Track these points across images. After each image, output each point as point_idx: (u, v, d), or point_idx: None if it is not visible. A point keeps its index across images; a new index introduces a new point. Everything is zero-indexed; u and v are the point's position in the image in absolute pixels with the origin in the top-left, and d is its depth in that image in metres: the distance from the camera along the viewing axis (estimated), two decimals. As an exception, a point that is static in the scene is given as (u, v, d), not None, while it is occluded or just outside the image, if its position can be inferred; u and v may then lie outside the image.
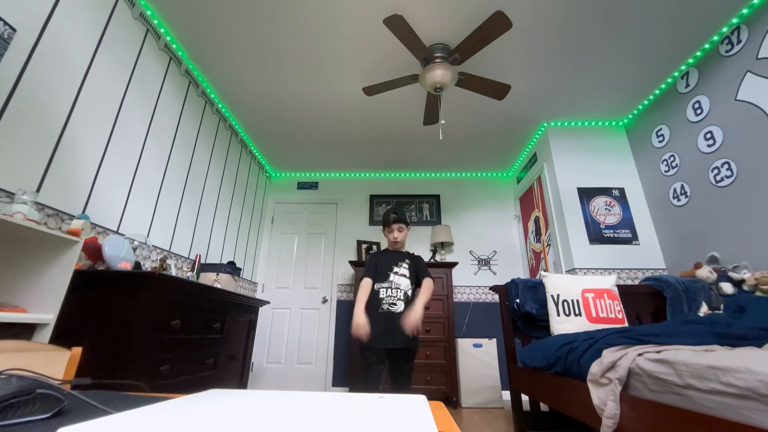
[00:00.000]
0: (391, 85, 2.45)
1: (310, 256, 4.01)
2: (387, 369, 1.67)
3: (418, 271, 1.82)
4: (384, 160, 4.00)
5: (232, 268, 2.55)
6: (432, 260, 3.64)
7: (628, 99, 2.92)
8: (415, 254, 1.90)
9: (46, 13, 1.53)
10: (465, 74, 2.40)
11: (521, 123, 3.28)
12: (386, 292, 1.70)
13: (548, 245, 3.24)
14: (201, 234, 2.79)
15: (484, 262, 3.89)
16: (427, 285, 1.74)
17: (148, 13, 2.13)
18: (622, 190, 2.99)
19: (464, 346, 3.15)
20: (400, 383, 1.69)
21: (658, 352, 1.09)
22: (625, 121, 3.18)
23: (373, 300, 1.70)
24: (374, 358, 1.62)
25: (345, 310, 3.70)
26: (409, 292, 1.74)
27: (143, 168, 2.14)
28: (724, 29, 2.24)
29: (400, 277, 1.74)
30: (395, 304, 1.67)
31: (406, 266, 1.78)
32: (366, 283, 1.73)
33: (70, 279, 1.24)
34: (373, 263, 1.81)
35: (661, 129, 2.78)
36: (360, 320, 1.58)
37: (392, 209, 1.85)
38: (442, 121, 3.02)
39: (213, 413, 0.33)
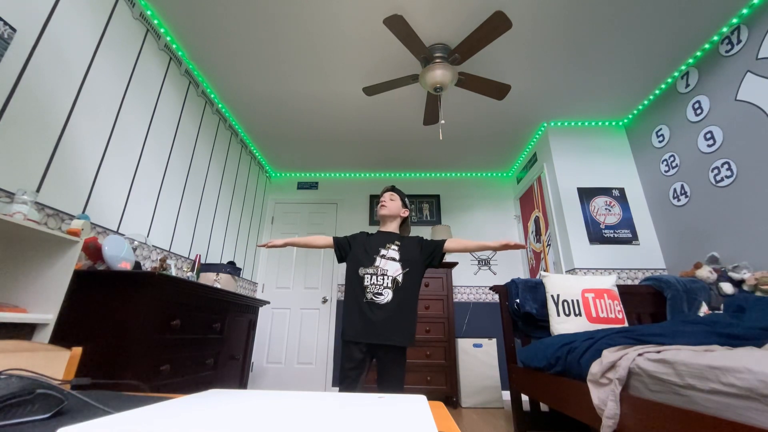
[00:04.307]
0: (391, 85, 2.45)
1: (310, 256, 4.01)
2: (374, 368, 1.51)
3: (431, 247, 1.57)
4: (384, 160, 4.00)
5: (232, 268, 2.55)
6: (432, 260, 3.64)
7: (628, 99, 2.92)
8: (410, 236, 1.66)
9: (46, 13, 1.53)
10: (465, 74, 2.40)
11: (521, 123, 3.28)
12: (371, 279, 1.50)
13: (548, 245, 3.24)
14: (201, 234, 2.79)
15: (484, 262, 3.89)
16: (457, 240, 1.59)
17: (148, 13, 2.13)
18: (622, 190, 2.99)
19: (464, 346, 3.15)
20: (386, 387, 1.46)
21: (658, 352, 1.09)
22: (625, 121, 3.18)
23: (357, 288, 1.52)
24: (349, 363, 1.45)
25: (345, 310, 3.70)
26: (399, 278, 1.50)
27: (143, 168, 2.14)
28: (724, 29, 2.24)
29: (388, 261, 1.53)
30: (381, 294, 1.47)
31: (396, 248, 1.56)
32: (323, 238, 1.68)
33: (70, 279, 1.24)
34: (357, 241, 1.65)
35: (661, 129, 2.78)
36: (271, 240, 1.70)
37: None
38: (442, 121, 3.02)
39: (213, 413, 0.33)
